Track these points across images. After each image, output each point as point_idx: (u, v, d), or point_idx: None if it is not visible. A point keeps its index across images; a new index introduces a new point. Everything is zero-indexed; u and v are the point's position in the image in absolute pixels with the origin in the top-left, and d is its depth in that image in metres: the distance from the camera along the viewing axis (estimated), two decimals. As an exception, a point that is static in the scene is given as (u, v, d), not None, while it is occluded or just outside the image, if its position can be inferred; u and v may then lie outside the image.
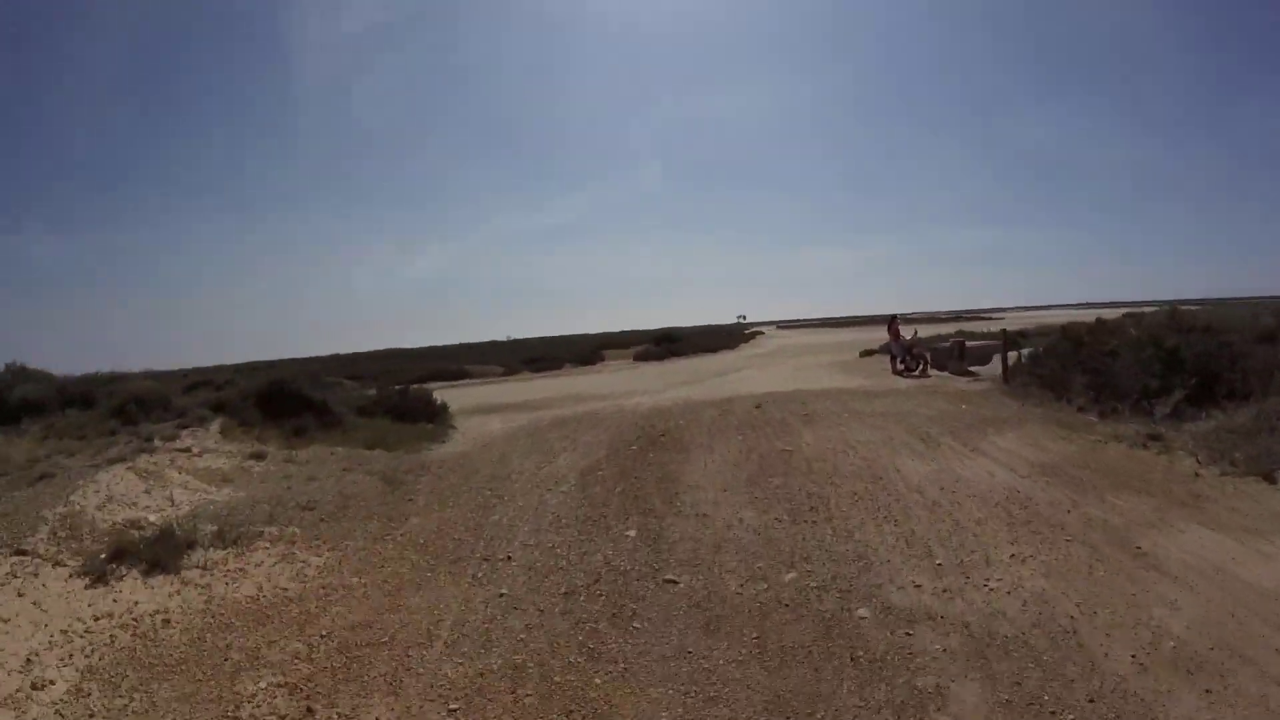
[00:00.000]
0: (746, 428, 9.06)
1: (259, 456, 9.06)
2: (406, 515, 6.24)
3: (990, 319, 78.27)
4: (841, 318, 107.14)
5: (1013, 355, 12.77)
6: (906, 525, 5.69)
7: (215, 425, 11.45)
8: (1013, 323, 41.68)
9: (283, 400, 12.65)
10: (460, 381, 30.91)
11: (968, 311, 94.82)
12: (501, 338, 58.91)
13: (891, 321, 17.74)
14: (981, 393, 11.24)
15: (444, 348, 62.45)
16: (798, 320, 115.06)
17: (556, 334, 73.32)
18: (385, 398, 15.05)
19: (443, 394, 22.84)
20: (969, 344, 16.64)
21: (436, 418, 13.72)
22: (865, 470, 7.08)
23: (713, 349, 38.86)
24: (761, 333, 72.90)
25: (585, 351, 39.82)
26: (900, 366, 16.70)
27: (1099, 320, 11.43)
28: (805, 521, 5.95)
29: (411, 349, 64.26)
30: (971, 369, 15.17)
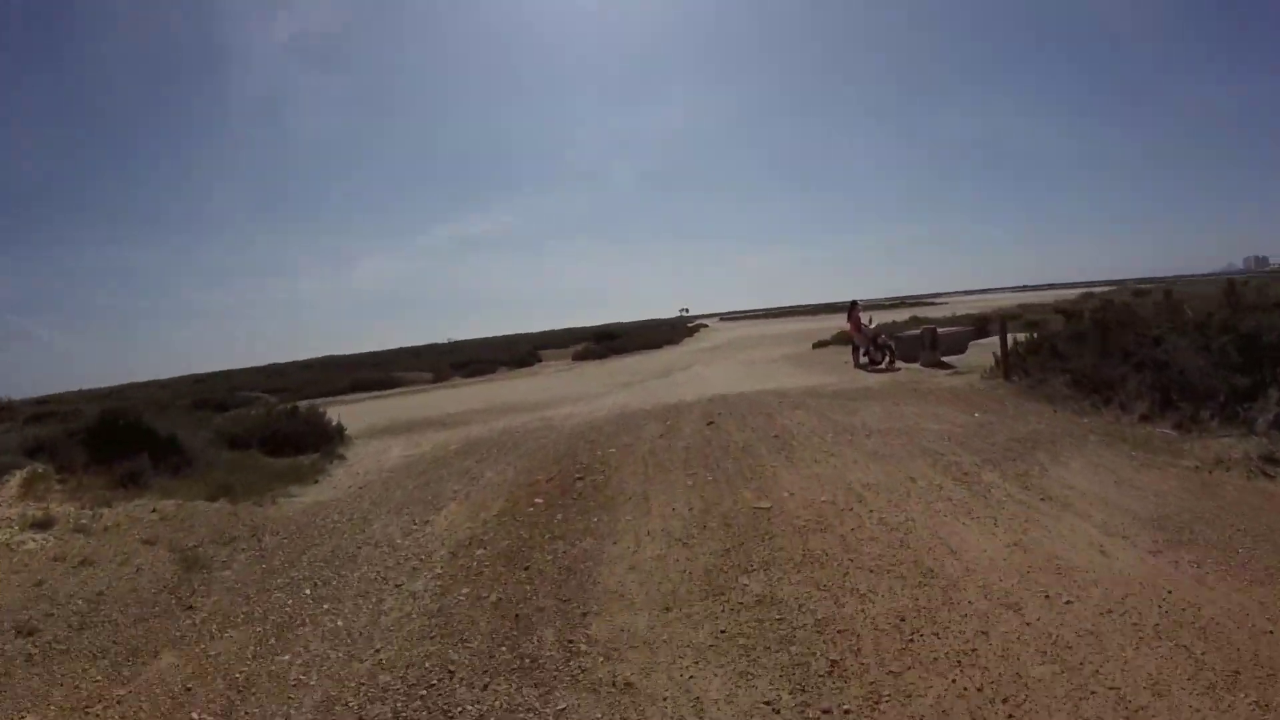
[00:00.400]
0: (698, 460, 6.95)
1: (42, 526, 6.66)
2: (156, 649, 3.98)
3: (935, 304, 79.50)
4: (784, 308, 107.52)
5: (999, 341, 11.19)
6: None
7: (18, 476, 8.89)
8: (960, 306, 41.29)
9: (117, 437, 10.09)
10: (387, 391, 28.22)
11: (911, 297, 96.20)
12: (442, 340, 55.38)
13: (851, 309, 16.17)
14: (982, 392, 9.61)
15: (381, 353, 58.76)
16: (740, 312, 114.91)
17: (498, 334, 70.33)
18: (266, 422, 12.58)
19: (361, 406, 20.26)
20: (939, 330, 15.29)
21: (326, 445, 11.39)
22: (898, 553, 4.45)
23: (656, 344, 37.15)
24: (705, 325, 71.75)
25: (523, 353, 37.47)
26: (864, 359, 15.18)
27: (1111, 300, 9.93)
28: (829, 710, 3.11)
29: (347, 356, 60.34)
30: (945, 359, 13.75)
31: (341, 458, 10.04)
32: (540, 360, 36.10)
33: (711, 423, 8.62)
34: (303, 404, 14.71)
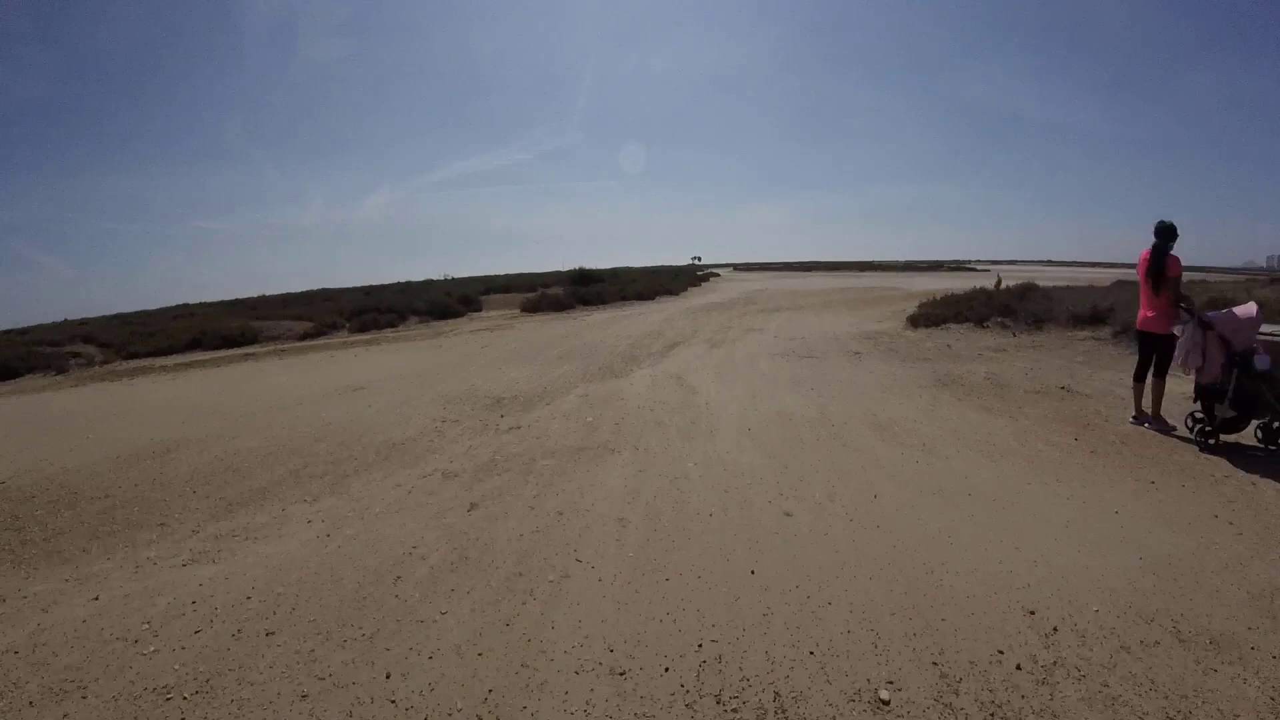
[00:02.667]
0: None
1: None
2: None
3: (974, 269, 68.97)
4: (801, 262, 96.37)
5: None
6: None
7: None
8: (1012, 275, 31.27)
9: None
10: (218, 354, 18.60)
11: (947, 262, 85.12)
12: (439, 277, 46.02)
13: (1161, 257, 5.94)
14: None
15: (332, 290, 48.92)
16: (754, 264, 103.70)
17: (493, 273, 60.21)
18: None
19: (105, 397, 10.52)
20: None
21: None
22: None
23: (647, 295, 27.20)
24: (717, 275, 61.49)
25: (456, 300, 27.61)
26: (1228, 411, 5.21)
27: None
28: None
29: (290, 294, 50.56)
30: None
31: None
32: (479, 309, 26.32)
33: None
34: None
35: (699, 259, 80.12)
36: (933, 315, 13.17)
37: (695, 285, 38.39)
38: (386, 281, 42.91)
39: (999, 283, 16.27)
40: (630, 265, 73.66)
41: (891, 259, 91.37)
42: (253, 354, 16.21)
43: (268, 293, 44.09)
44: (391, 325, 22.06)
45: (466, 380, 9.35)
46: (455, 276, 43.86)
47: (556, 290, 27.28)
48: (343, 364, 12.12)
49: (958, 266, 71.97)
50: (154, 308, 35.18)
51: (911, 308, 17.91)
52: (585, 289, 26.92)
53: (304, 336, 20.46)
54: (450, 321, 22.17)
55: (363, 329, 21.37)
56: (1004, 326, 11.70)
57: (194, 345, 20.13)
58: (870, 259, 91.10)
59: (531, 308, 24.29)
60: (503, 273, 58.76)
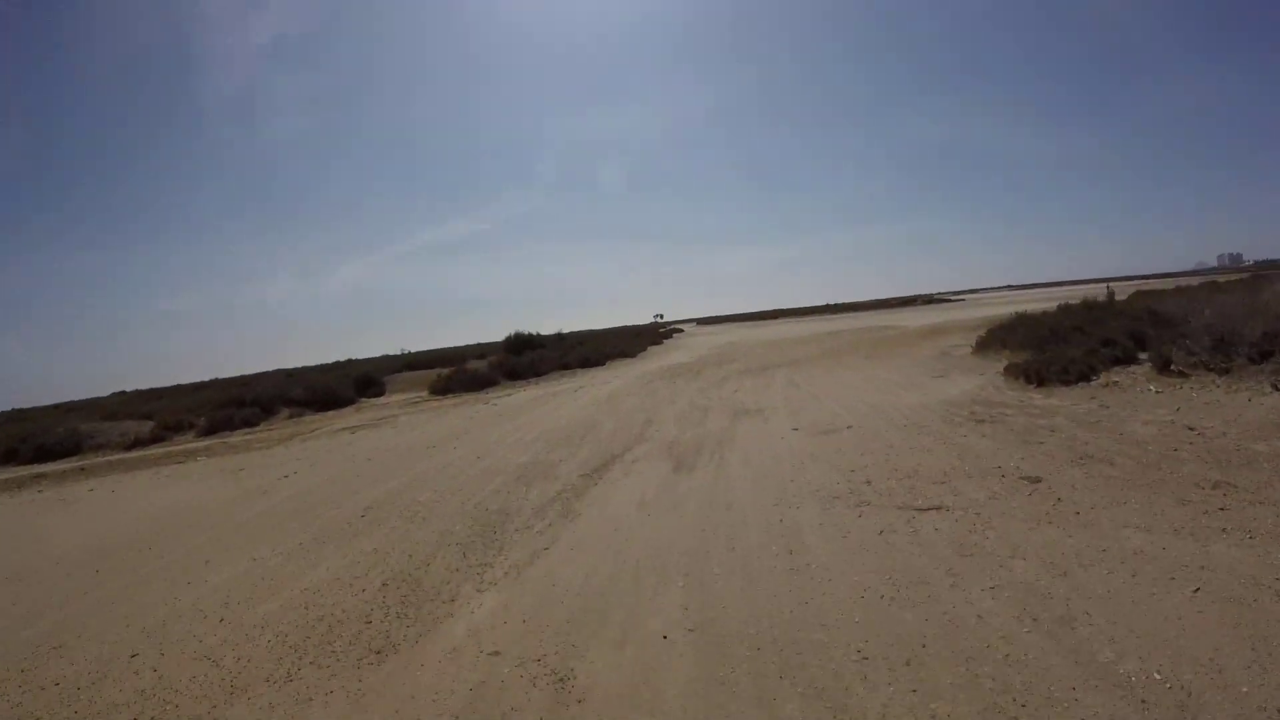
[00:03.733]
0: None
1: None
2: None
3: (948, 302, 65.43)
4: (765, 311, 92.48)
5: None
6: None
7: None
8: (990, 304, 26.84)
9: None
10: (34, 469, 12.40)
11: (919, 296, 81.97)
12: (396, 350, 40.19)
13: None
14: None
15: (270, 371, 42.33)
16: (718, 317, 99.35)
17: (450, 345, 53.88)
18: None
19: None
20: None
21: None
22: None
23: (596, 360, 21.53)
24: (680, 330, 56.52)
25: (375, 375, 21.62)
26: None
27: None
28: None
29: (206, 380, 44.00)
30: None
31: None
32: (380, 393, 20.34)
33: None
34: None
35: (661, 316, 75.40)
36: (1048, 361, 7.73)
37: (656, 343, 32.99)
38: (356, 356, 37.04)
39: (1111, 295, 11.26)
40: (594, 327, 68.71)
41: (854, 299, 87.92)
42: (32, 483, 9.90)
43: (221, 375, 38.44)
44: (250, 424, 15.94)
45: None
46: (411, 350, 38.10)
47: (480, 364, 21.46)
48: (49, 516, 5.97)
49: (932, 300, 68.41)
50: (105, 394, 30.95)
51: (957, 346, 12.55)
52: (518, 358, 21.15)
53: (134, 444, 14.36)
54: (328, 415, 16.08)
55: (212, 430, 15.24)
56: (1218, 370, 6.28)
57: (9, 457, 14.23)
58: (834, 301, 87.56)
59: (440, 390, 18.39)
60: (461, 344, 52.73)
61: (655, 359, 21.66)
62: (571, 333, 37.13)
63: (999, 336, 11.09)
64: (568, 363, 21.01)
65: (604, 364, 21.39)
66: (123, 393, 34.93)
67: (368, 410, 16.07)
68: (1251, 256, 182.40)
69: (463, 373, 19.23)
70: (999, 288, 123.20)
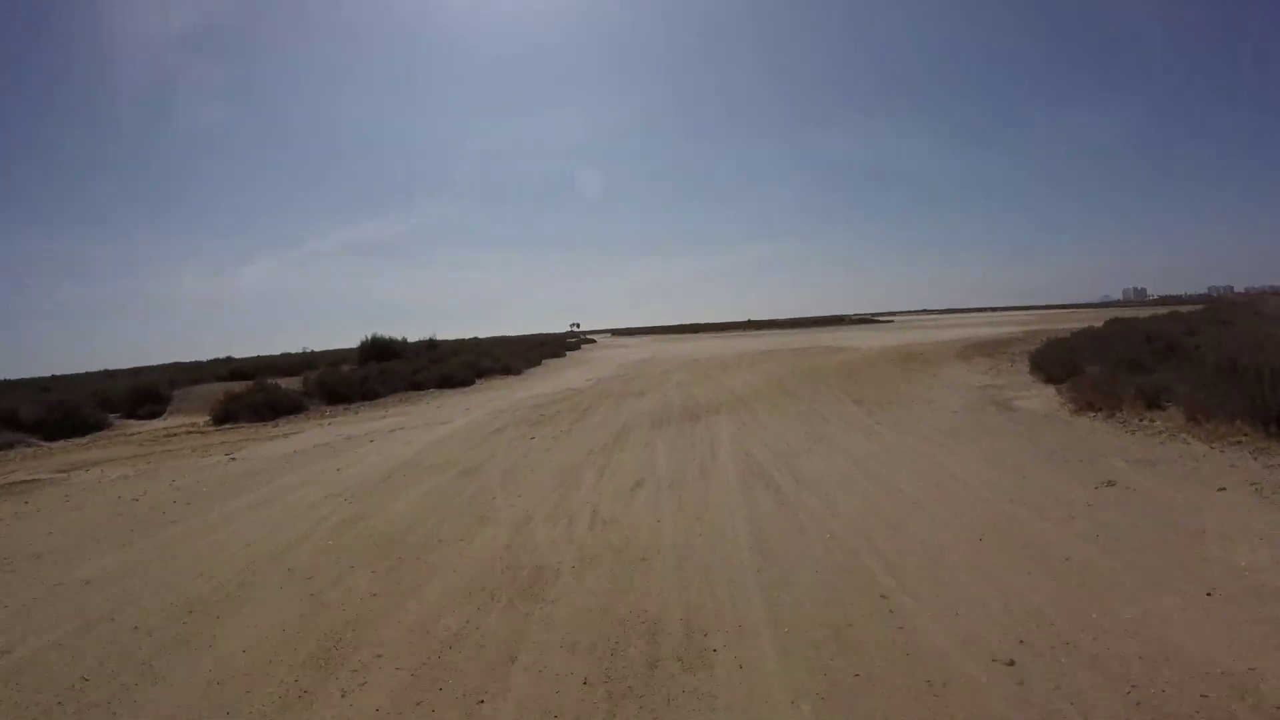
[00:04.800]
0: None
1: None
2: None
3: (877, 322, 63.50)
4: (683, 325, 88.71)
5: None
6: None
7: None
8: (925, 326, 23.74)
9: None
10: None
11: (823, 317, 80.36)
12: (297, 350, 32.91)
13: None
14: None
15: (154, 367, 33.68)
16: (635, 329, 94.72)
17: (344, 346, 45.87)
18: None
19: None
20: None
21: None
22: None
23: (462, 380, 15.86)
24: (591, 340, 51.25)
25: (158, 387, 15.12)
26: None
27: None
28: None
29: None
30: None
31: None
32: (159, 413, 14.03)
33: None
34: None
35: (577, 325, 69.87)
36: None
37: (558, 355, 27.57)
38: (267, 353, 29.76)
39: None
40: (507, 334, 62.27)
41: (772, 316, 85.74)
42: None
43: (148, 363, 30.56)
44: None
45: None
46: (312, 350, 31.00)
47: (293, 381, 15.39)
48: None
49: (866, 320, 66.46)
50: None
51: (992, 385, 8.05)
52: (342, 377, 15.19)
53: None
54: (50, 447, 9.70)
55: None
56: None
57: None
58: (754, 318, 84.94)
59: (223, 416, 12.27)
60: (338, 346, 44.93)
61: (543, 378, 16.28)
62: (452, 340, 31.18)
63: (1101, 380, 6.53)
64: (420, 381, 15.27)
65: (473, 383, 15.82)
66: None
67: (95, 447, 9.84)
68: (1155, 291, 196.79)
69: (261, 391, 13.17)
70: (915, 311, 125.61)
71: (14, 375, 30.96)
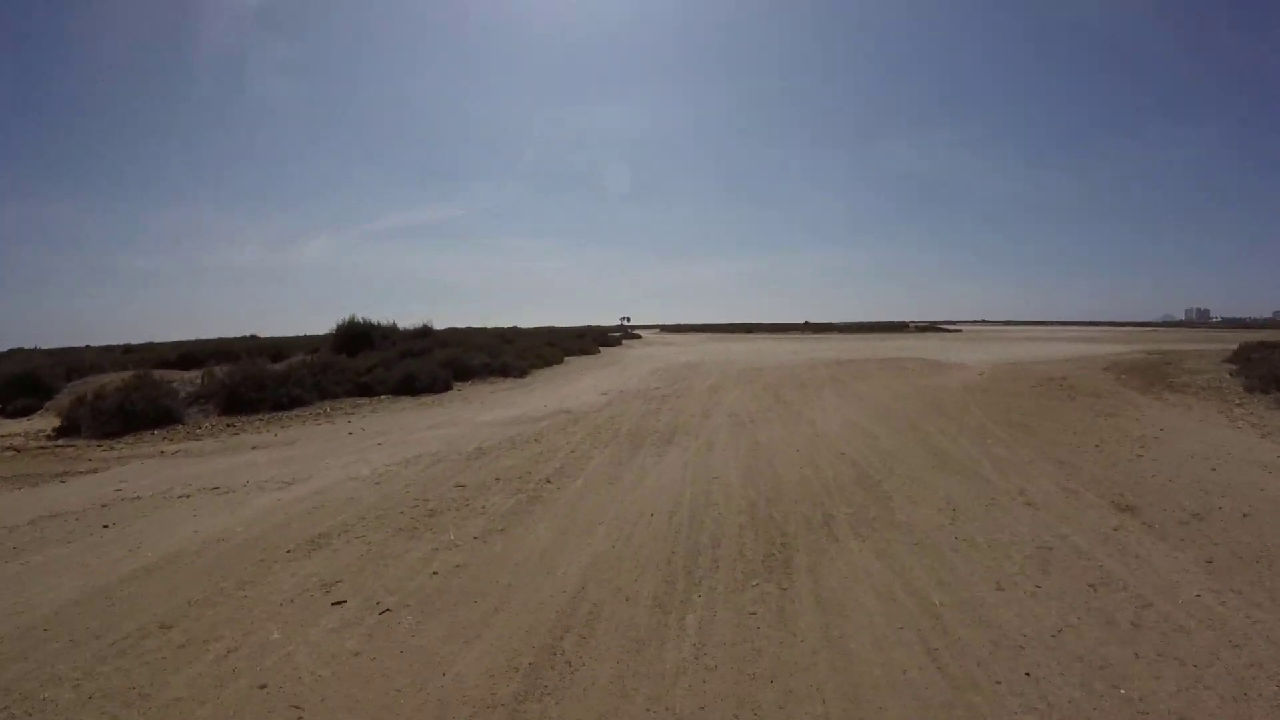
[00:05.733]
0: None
1: None
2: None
3: (943, 331, 56.71)
4: (739, 324, 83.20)
5: None
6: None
7: None
8: (1003, 339, 18.50)
9: None
10: None
11: (912, 322, 73.63)
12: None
13: None
14: None
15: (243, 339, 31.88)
16: (685, 325, 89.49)
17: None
18: None
19: None
20: None
21: None
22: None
23: (431, 384, 11.64)
24: (638, 335, 46.73)
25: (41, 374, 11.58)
26: None
27: None
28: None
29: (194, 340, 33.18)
30: None
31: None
32: (25, 411, 10.34)
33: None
34: None
35: (628, 319, 65.63)
36: None
37: (588, 352, 23.21)
38: (318, 332, 27.64)
39: None
40: (556, 324, 58.57)
41: (828, 320, 79.40)
42: None
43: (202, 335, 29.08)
44: None
45: None
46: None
47: (193, 376, 11.44)
48: None
49: (931, 328, 60.02)
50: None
51: None
52: (243, 381, 11.16)
53: None
54: None
55: None
56: None
57: None
58: (810, 320, 78.77)
59: (69, 425, 8.41)
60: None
61: (547, 387, 11.88)
62: (464, 328, 27.17)
63: None
64: (370, 384, 11.12)
65: (449, 388, 11.61)
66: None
67: None
68: (1218, 313, 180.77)
69: (129, 391, 9.19)
70: (973, 321, 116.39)
71: (56, 344, 28.91)
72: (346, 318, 17.22)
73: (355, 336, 16.60)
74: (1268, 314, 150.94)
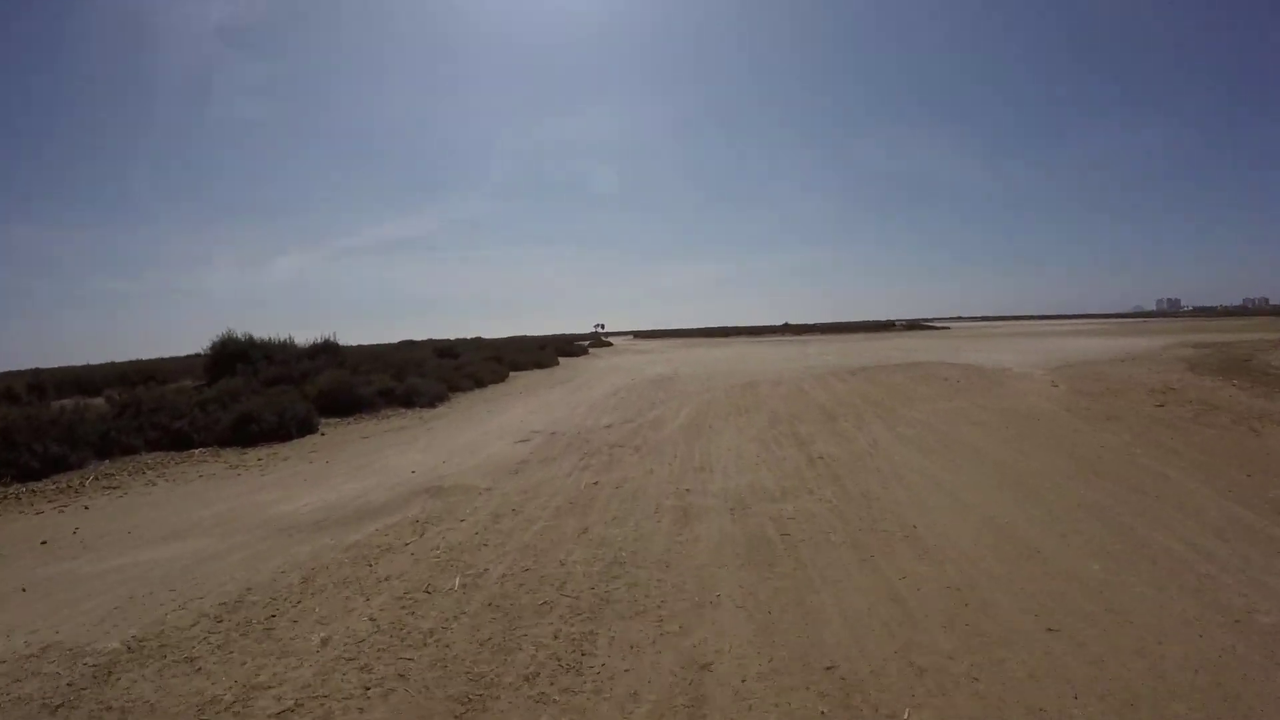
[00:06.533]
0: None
1: None
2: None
3: (931, 328, 54.05)
4: (716, 328, 79.78)
5: None
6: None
7: None
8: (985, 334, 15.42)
9: None
10: None
11: (896, 321, 70.80)
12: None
13: None
14: None
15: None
16: (659, 331, 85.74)
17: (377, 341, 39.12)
18: None
19: None
20: None
21: None
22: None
23: (285, 429, 8.02)
24: (609, 343, 43.10)
25: None
26: None
27: None
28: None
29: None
30: None
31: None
32: None
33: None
34: None
35: (602, 325, 62.09)
36: None
37: (545, 365, 19.62)
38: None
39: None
40: (528, 333, 54.71)
41: (803, 321, 76.53)
42: None
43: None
44: None
45: None
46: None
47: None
48: None
49: (917, 326, 57.29)
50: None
51: None
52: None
53: None
54: None
55: None
56: None
57: None
58: (788, 321, 75.72)
59: None
60: (396, 340, 37.54)
61: (469, 419, 8.33)
62: (536, 336, 23.46)
63: None
64: (190, 434, 7.50)
65: (313, 429, 8.07)
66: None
67: None
68: (1189, 302, 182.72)
69: None
70: (953, 318, 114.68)
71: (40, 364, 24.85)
72: (222, 334, 13.52)
73: (232, 357, 12.91)
74: (1238, 301, 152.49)
